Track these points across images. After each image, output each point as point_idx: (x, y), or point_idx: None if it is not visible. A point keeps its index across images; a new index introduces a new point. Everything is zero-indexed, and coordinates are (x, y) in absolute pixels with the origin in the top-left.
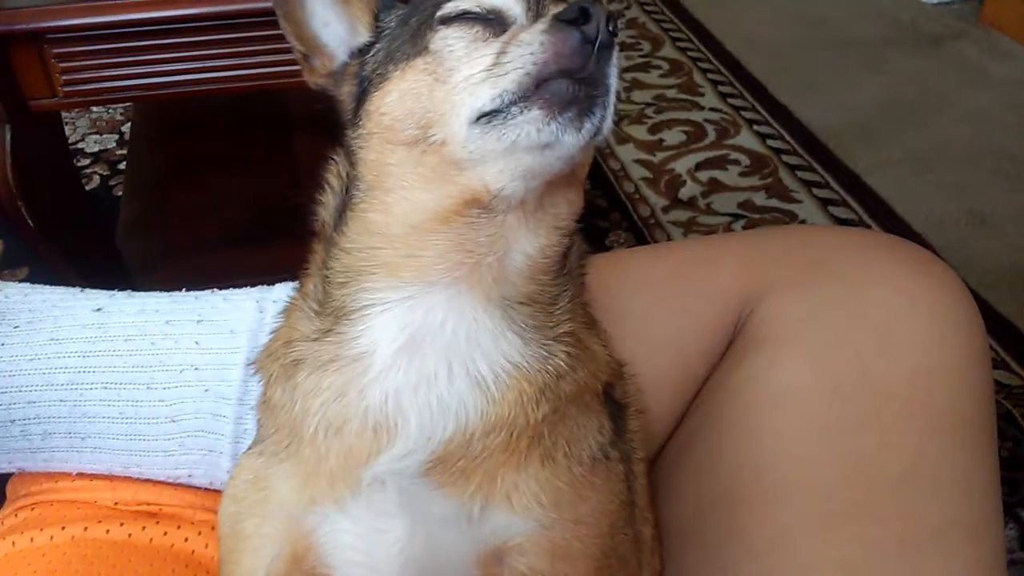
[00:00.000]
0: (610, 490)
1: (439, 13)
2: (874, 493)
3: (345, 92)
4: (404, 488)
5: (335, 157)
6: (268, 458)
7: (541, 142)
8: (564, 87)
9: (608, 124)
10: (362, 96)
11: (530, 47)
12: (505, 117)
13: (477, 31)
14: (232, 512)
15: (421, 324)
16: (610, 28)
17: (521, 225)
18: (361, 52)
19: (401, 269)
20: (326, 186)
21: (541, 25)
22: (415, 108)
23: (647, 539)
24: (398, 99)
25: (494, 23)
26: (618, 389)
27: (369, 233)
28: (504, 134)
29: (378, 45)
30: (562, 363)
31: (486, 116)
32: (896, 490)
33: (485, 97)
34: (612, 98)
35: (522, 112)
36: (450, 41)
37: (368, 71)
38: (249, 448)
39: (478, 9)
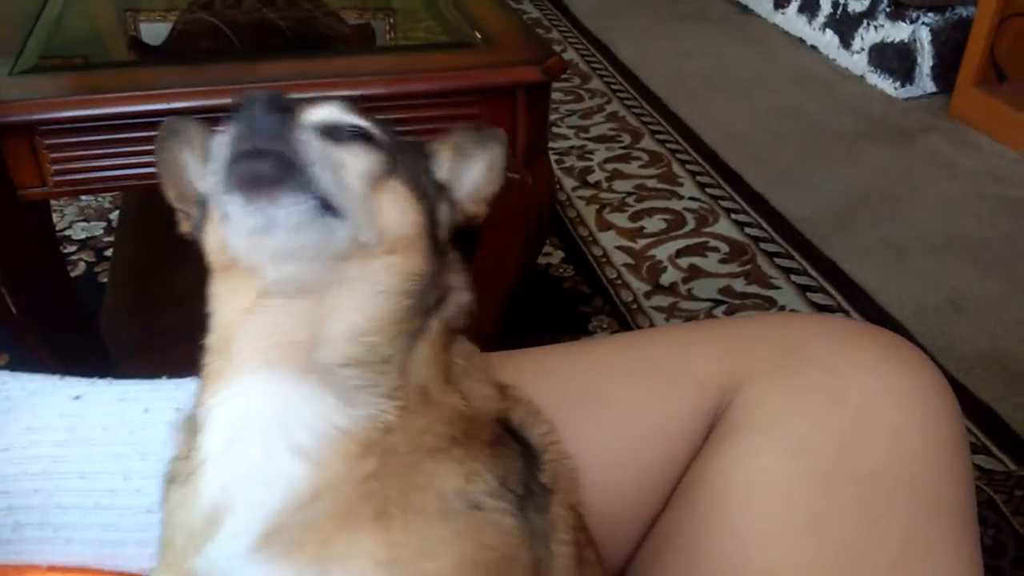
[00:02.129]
0: (477, 541)
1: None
2: None
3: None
4: (238, 570)
5: None
6: (153, 572)
7: (257, 226)
8: (244, 167)
9: (334, 190)
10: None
11: (218, 147)
12: (227, 211)
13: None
14: None
15: (242, 415)
16: (276, 103)
17: (324, 302)
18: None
19: (223, 373)
20: None
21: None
22: (213, 235)
23: None
24: (211, 230)
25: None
26: (547, 474)
27: (208, 354)
28: (236, 227)
29: None
30: (391, 417)
31: (225, 218)
32: None
33: (214, 199)
34: (321, 162)
35: (230, 203)
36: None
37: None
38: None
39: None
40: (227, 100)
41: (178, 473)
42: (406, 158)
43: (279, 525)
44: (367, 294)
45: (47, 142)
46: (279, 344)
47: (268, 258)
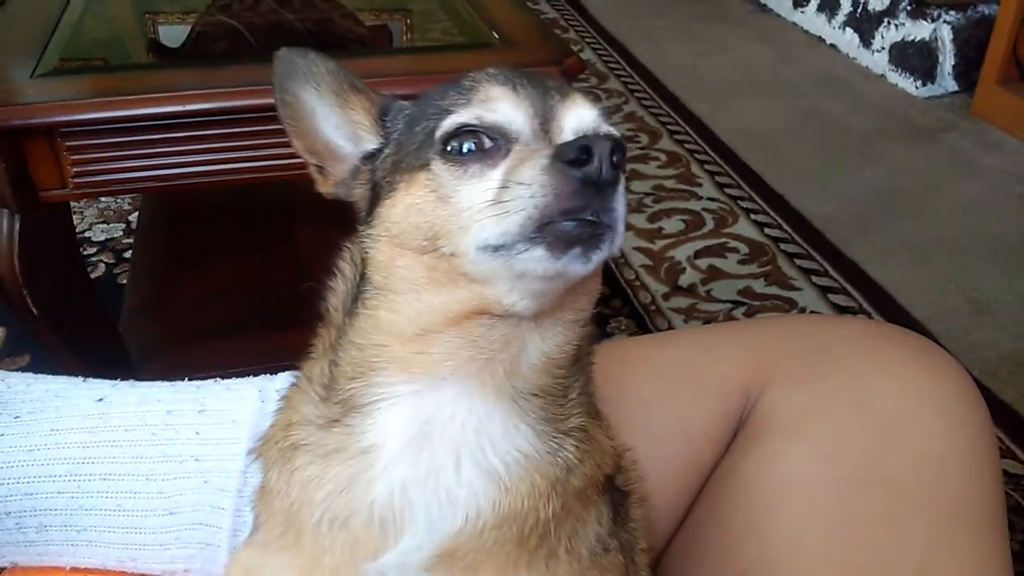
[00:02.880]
0: None
1: (439, 132)
2: None
3: (358, 195)
4: None
5: (348, 244)
6: (262, 548)
7: (547, 275)
8: (567, 229)
9: (617, 245)
10: (374, 199)
11: (530, 189)
12: (510, 252)
13: (478, 155)
14: None
15: (430, 418)
16: (615, 159)
17: (538, 327)
18: (371, 156)
19: (411, 365)
20: (337, 272)
21: (543, 160)
22: (421, 223)
23: None
24: (404, 212)
25: (498, 143)
26: (620, 476)
27: (379, 331)
28: (510, 264)
29: (386, 151)
30: (572, 456)
31: (491, 247)
32: None
33: (488, 233)
34: (621, 227)
35: (527, 250)
36: (448, 164)
37: (378, 177)
38: (245, 540)
39: (479, 126)
40: (247, 101)
41: (309, 443)
42: None
43: (458, 546)
44: (568, 321)
45: (68, 144)
46: (482, 358)
47: (527, 293)
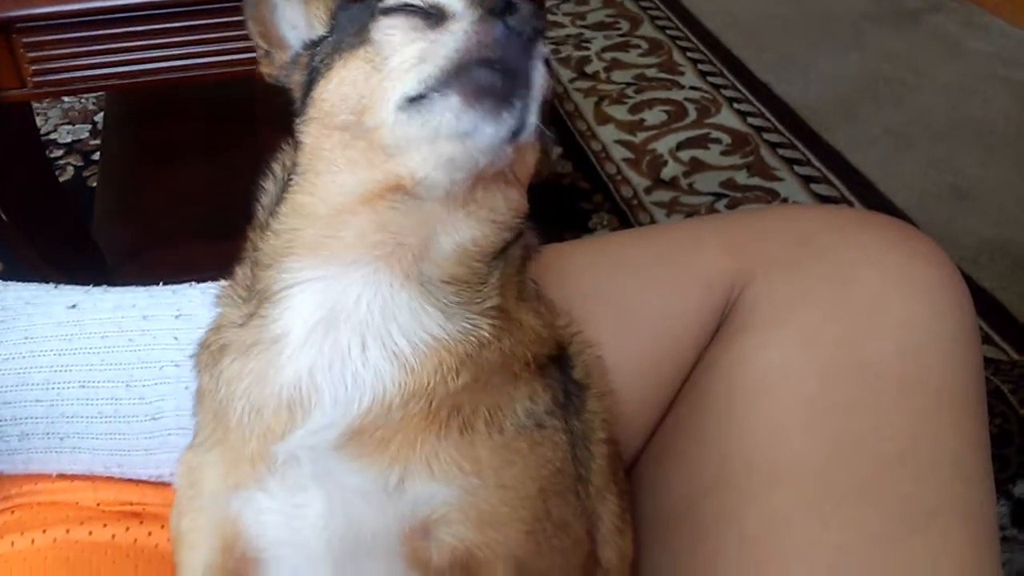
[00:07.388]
0: (541, 455)
1: (381, 4)
2: (868, 475)
3: (296, 82)
4: (318, 461)
5: (284, 146)
6: (197, 450)
7: (460, 130)
8: (482, 75)
9: (532, 120)
10: (310, 85)
11: (454, 36)
12: (427, 102)
13: (416, 23)
14: (174, 513)
15: (336, 302)
16: (536, 23)
17: (448, 214)
18: (314, 44)
19: (320, 248)
20: (269, 174)
21: (470, 16)
22: (351, 94)
23: (607, 517)
24: (337, 85)
25: (434, 17)
26: (579, 369)
27: (296, 215)
28: (426, 120)
29: (330, 38)
30: (485, 334)
31: (412, 101)
32: (891, 472)
33: (411, 82)
34: (536, 93)
35: (442, 97)
36: (388, 31)
37: (317, 61)
38: (188, 444)
39: (419, 3)
40: None
41: (233, 342)
42: None
43: (366, 425)
44: (482, 218)
45: (24, 40)
46: (391, 242)
47: (440, 162)
